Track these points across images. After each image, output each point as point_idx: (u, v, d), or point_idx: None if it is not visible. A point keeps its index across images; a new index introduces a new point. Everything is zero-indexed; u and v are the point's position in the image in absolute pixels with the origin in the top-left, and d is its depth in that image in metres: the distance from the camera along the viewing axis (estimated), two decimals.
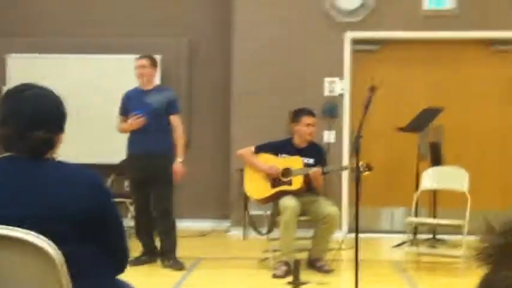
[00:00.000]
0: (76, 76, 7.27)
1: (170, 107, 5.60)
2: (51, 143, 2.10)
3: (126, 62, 7.47)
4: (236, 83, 7.28)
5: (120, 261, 2.22)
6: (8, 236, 1.91)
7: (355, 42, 7.22)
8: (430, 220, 6.05)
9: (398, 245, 6.36)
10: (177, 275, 5.23)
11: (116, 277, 2.23)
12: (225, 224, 7.41)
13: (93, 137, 7.18)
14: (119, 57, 7.45)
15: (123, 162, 6.02)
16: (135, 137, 5.51)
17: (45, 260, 1.91)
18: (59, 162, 2.17)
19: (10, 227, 1.91)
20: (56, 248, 1.91)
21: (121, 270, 2.23)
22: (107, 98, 6.97)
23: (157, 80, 5.98)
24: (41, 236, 1.90)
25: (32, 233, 1.90)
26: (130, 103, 5.58)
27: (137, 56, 5.79)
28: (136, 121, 5.45)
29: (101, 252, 2.09)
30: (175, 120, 5.65)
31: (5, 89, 7.42)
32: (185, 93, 7.72)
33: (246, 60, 7.23)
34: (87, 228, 2.01)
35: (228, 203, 7.36)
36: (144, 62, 5.63)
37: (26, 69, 7.23)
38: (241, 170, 6.80)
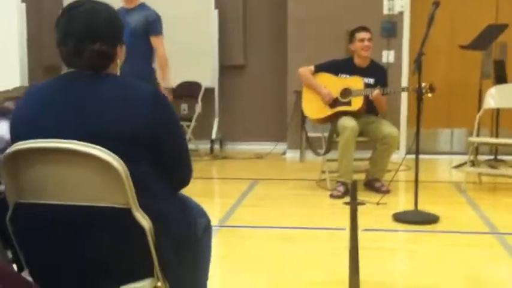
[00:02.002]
0: None
1: (150, 28, 5.31)
2: (109, 56, 2.07)
3: None
4: (292, 5, 7.10)
5: (184, 178, 2.21)
6: (73, 150, 1.93)
7: None
8: (493, 140, 5.89)
9: (459, 165, 6.25)
10: (235, 195, 5.28)
11: (179, 192, 2.24)
12: (282, 146, 7.41)
13: None
14: None
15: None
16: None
17: (111, 173, 1.93)
18: (118, 77, 2.15)
19: (75, 141, 1.93)
20: (121, 160, 1.91)
21: (182, 186, 2.24)
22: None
23: None
24: (106, 150, 1.91)
25: (97, 146, 1.91)
26: None
27: None
28: None
29: (162, 169, 2.08)
30: (156, 41, 5.38)
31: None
32: (239, 15, 7.61)
33: None
34: (145, 144, 2.00)
35: (284, 125, 7.33)
36: None
37: None
38: (298, 92, 6.75)
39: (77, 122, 1.98)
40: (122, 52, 2.14)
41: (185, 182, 2.23)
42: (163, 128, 2.06)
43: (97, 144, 1.92)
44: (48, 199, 1.99)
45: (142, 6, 5.44)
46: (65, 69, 2.13)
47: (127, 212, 1.96)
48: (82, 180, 1.98)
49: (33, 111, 2.04)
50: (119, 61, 2.15)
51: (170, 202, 2.12)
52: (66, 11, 2.09)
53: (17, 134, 2.05)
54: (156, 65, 5.50)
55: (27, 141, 1.97)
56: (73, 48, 2.04)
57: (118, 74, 2.19)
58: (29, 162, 2.00)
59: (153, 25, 5.36)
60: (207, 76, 7.47)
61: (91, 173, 1.97)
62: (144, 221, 1.97)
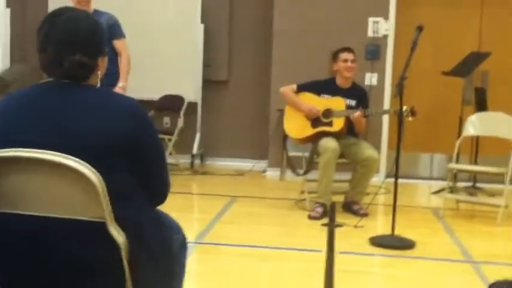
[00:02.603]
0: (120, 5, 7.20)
1: (112, 32, 5.20)
2: (89, 67, 2.05)
3: None
4: (278, 21, 7.13)
5: (160, 193, 2.19)
6: (49, 161, 1.90)
7: None
8: (472, 167, 5.92)
9: (438, 191, 6.28)
10: (213, 211, 5.25)
11: (155, 208, 2.21)
12: (262, 164, 7.40)
13: (133, 73, 7.15)
14: None
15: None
16: None
17: (87, 185, 1.90)
18: (98, 88, 2.13)
19: (50, 152, 1.90)
20: (97, 173, 1.89)
21: (161, 202, 2.21)
22: (145, 32, 6.92)
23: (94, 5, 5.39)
24: (82, 162, 1.88)
25: (74, 158, 1.88)
26: None
27: None
28: None
29: (139, 183, 2.06)
30: (119, 45, 5.28)
31: None
32: (225, 30, 7.62)
33: (288, 0, 7.06)
34: (124, 157, 1.97)
35: (266, 143, 7.33)
36: None
37: (67, 2, 7.19)
38: (281, 111, 6.74)
39: (55, 131, 1.95)
40: (103, 63, 2.12)
41: (162, 197, 2.21)
42: (142, 142, 2.04)
43: (75, 154, 1.89)
44: (22, 209, 1.96)
45: (98, 11, 5.27)
46: (45, 77, 2.11)
47: (102, 226, 1.93)
48: (57, 191, 1.95)
49: (9, 120, 2.01)
50: (99, 73, 2.13)
51: (147, 216, 2.09)
52: (48, 18, 2.07)
53: None
54: (120, 68, 5.34)
55: (3, 149, 1.94)
56: (53, 57, 2.02)
57: (98, 85, 2.16)
58: (3, 171, 1.96)
59: (114, 29, 5.25)
60: (190, 90, 7.45)
61: (66, 185, 1.94)
62: (118, 236, 1.94)
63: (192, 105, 7.46)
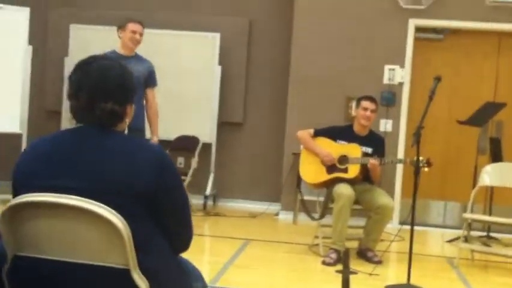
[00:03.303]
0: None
1: (149, 79, 5.30)
2: (119, 115, 2.09)
3: (184, 38, 7.52)
4: (295, 66, 7.21)
5: (183, 241, 2.20)
6: (75, 206, 1.91)
7: (419, 30, 7.07)
8: (487, 218, 5.88)
9: (452, 240, 6.24)
10: (226, 254, 5.23)
11: (177, 255, 2.22)
12: (275, 207, 7.39)
13: None
14: (177, 33, 7.49)
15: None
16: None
17: (113, 232, 1.91)
18: (127, 135, 2.16)
19: (76, 197, 1.92)
20: (124, 220, 1.90)
21: (183, 249, 2.22)
22: (163, 73, 7.00)
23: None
24: (109, 208, 1.90)
25: (101, 205, 1.90)
26: None
27: (135, 23, 5.33)
28: None
29: (163, 230, 2.07)
30: (152, 93, 5.38)
31: (67, 60, 7.54)
32: (242, 72, 7.71)
33: (307, 44, 7.16)
34: (148, 205, 2.00)
35: (279, 186, 7.33)
36: (141, 28, 5.30)
37: (86, 40, 7.33)
38: (295, 154, 6.78)
39: (82, 176, 1.98)
40: (131, 111, 2.16)
41: (185, 245, 2.22)
42: (166, 190, 2.06)
43: (101, 200, 1.91)
44: (46, 254, 1.97)
45: (139, 56, 5.42)
46: (65, 116, 2.14)
47: (125, 273, 1.94)
48: (82, 237, 1.96)
49: (37, 163, 2.04)
50: (127, 120, 2.17)
51: (169, 264, 2.10)
52: (80, 66, 2.11)
53: (19, 184, 2.04)
54: (149, 116, 5.43)
55: (30, 194, 1.96)
56: (85, 104, 2.05)
57: (126, 131, 2.20)
58: (28, 215, 1.98)
59: (152, 76, 5.37)
60: (206, 131, 7.51)
61: (92, 230, 1.95)
62: (142, 283, 1.95)
63: (207, 146, 7.50)
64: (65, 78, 7.34)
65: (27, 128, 6.91)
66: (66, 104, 7.30)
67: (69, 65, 7.35)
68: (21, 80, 6.85)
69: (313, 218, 5.57)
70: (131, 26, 5.26)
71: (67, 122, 7.17)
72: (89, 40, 7.30)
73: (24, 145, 6.74)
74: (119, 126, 2.12)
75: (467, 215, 5.38)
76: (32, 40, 6.97)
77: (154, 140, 5.35)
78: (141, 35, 5.30)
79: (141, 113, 5.23)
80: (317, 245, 5.53)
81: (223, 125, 7.67)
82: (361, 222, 5.67)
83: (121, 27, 5.28)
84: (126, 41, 5.27)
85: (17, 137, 6.82)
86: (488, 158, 6.28)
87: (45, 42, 7.77)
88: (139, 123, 5.18)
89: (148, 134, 5.49)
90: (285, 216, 7.14)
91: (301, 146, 5.72)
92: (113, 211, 1.91)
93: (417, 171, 4.49)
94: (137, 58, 5.33)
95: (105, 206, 1.91)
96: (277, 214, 7.29)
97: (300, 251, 5.59)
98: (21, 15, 6.84)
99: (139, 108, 5.08)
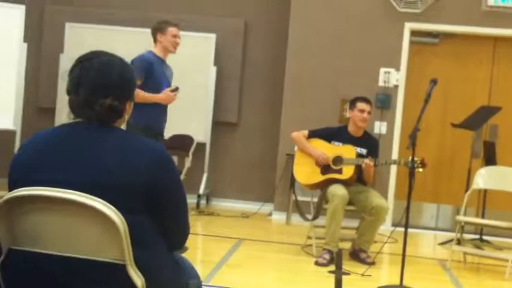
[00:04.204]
0: (130, 49, 7.29)
1: (169, 83, 5.20)
2: (119, 111, 2.09)
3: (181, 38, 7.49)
4: (290, 67, 7.22)
5: (180, 237, 2.20)
6: (71, 200, 1.91)
7: (414, 33, 7.08)
8: (481, 220, 5.90)
9: (444, 242, 6.26)
10: (219, 254, 5.23)
11: (173, 251, 2.22)
12: (268, 207, 7.39)
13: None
14: None
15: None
16: (157, 112, 5.00)
17: (110, 227, 1.91)
18: (126, 132, 2.16)
19: (73, 192, 1.91)
20: (121, 215, 1.90)
21: (179, 246, 2.22)
22: None
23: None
24: (105, 202, 1.90)
25: (98, 199, 1.90)
26: (155, 72, 4.96)
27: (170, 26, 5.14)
28: (172, 96, 4.95)
29: (159, 226, 2.07)
30: None
31: (62, 57, 7.52)
32: (237, 73, 7.71)
33: (302, 45, 7.16)
34: (145, 201, 1.99)
35: (272, 186, 7.34)
36: (179, 32, 5.19)
37: (82, 37, 7.31)
38: (289, 155, 6.79)
39: (79, 171, 1.97)
40: (129, 108, 2.16)
41: (181, 241, 2.22)
42: (164, 186, 2.05)
43: (97, 194, 1.91)
44: (43, 248, 1.96)
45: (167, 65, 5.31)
46: (59, 113, 2.14)
47: (121, 268, 1.93)
48: (79, 231, 1.96)
49: (35, 158, 2.03)
50: (126, 116, 2.16)
51: (165, 260, 2.10)
52: (80, 61, 2.11)
53: (16, 179, 2.03)
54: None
55: (27, 188, 1.95)
56: (84, 99, 2.04)
57: (124, 128, 2.20)
58: (25, 209, 1.98)
59: (170, 80, 5.26)
60: (200, 131, 7.50)
61: (88, 225, 1.95)
62: (137, 279, 1.94)
63: (201, 146, 7.50)
64: (59, 76, 7.32)
65: (21, 125, 6.88)
66: (60, 101, 7.29)
67: (65, 62, 7.34)
68: (15, 77, 6.83)
69: (306, 219, 5.58)
70: (172, 31, 5.07)
71: (61, 119, 7.15)
72: (85, 37, 7.28)
73: (18, 142, 6.71)
74: (117, 122, 2.12)
75: (461, 218, 5.39)
76: (27, 37, 6.95)
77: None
78: (180, 38, 5.16)
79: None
80: (310, 245, 5.53)
81: (218, 125, 7.67)
82: (354, 223, 5.69)
83: (160, 30, 5.08)
84: (167, 45, 5.08)
85: (10, 133, 6.80)
86: (482, 162, 6.30)
87: (40, 40, 7.75)
88: (162, 127, 5.09)
89: None
90: (278, 217, 7.14)
91: (295, 147, 5.73)
92: (110, 206, 1.91)
93: (412, 172, 4.50)
94: (166, 64, 5.22)
95: (102, 201, 1.91)
96: (270, 214, 7.29)
97: (293, 252, 5.60)
98: (17, 13, 6.82)
99: (162, 111, 5.02)
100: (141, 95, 4.71)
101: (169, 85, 5.09)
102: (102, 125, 2.06)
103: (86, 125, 2.06)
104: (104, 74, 2.06)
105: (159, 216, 2.06)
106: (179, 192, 2.15)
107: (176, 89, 4.99)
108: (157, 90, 4.94)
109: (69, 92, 2.09)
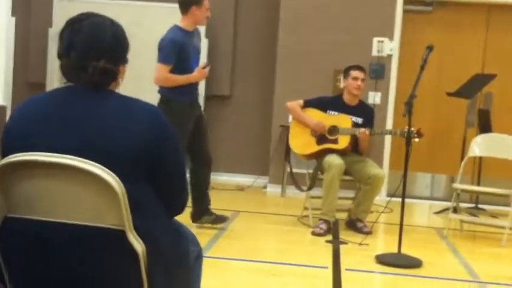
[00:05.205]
0: (118, 22, 7.20)
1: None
2: (112, 74, 2.03)
3: (170, 10, 7.39)
4: (283, 38, 7.13)
5: (178, 203, 2.15)
6: (69, 166, 1.86)
7: (407, 2, 7.01)
8: (478, 188, 5.90)
9: (440, 211, 6.25)
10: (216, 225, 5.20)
11: (172, 218, 2.18)
12: (263, 180, 7.36)
13: (135, 87, 7.14)
14: (162, 5, 7.37)
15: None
16: (193, 86, 4.98)
17: (109, 193, 1.86)
18: (121, 95, 2.10)
19: (70, 156, 1.86)
20: (119, 181, 1.85)
21: (178, 212, 2.18)
22: (148, 46, 6.90)
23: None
24: (103, 167, 1.85)
25: (96, 164, 1.85)
26: (185, 53, 4.84)
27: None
28: (204, 72, 4.91)
29: (157, 192, 2.02)
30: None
31: (51, 31, 7.40)
32: (229, 45, 7.62)
33: (294, 17, 7.07)
34: (143, 165, 1.95)
35: (267, 159, 7.30)
36: None
37: (71, 12, 7.18)
38: (283, 127, 6.74)
39: (77, 137, 1.92)
40: (123, 71, 2.10)
41: (180, 207, 2.18)
42: (162, 151, 2.01)
43: (96, 161, 1.86)
44: (40, 215, 1.92)
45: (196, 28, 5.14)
46: (49, 88, 2.08)
47: (121, 234, 1.89)
48: (77, 198, 1.91)
49: (30, 124, 1.97)
50: (120, 80, 2.10)
51: (165, 226, 2.06)
52: (71, 24, 2.04)
53: (10, 147, 1.97)
54: None
55: (22, 154, 1.90)
56: (76, 62, 1.98)
57: (119, 92, 2.13)
58: (21, 175, 1.92)
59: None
60: None
61: (86, 190, 1.90)
62: (137, 245, 1.90)
63: None
64: (48, 50, 7.20)
65: (11, 100, 6.80)
66: (50, 76, 7.18)
67: (54, 36, 7.21)
68: (4, 52, 6.73)
69: (301, 190, 5.55)
70: (207, 4, 4.94)
71: None
72: (73, 11, 7.12)
73: (8, 117, 6.63)
74: (112, 85, 2.06)
75: (457, 185, 5.38)
76: (15, 11, 6.83)
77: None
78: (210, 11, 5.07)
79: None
80: (306, 216, 5.51)
81: (211, 98, 7.59)
82: (350, 194, 5.67)
83: (196, 3, 4.91)
84: (201, 18, 4.95)
85: (1, 109, 6.72)
86: (477, 130, 6.27)
87: (29, 14, 7.61)
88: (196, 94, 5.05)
89: None
90: (273, 189, 7.11)
91: (290, 118, 5.68)
92: (108, 170, 1.86)
93: (408, 141, 4.46)
94: (197, 30, 5.08)
95: (99, 165, 1.86)
96: (265, 187, 7.26)
97: (290, 223, 5.57)
98: None
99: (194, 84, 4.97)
100: (173, 79, 4.77)
101: (198, 53, 5.00)
102: (97, 88, 2.00)
103: (80, 90, 2.00)
104: (96, 36, 1.99)
105: (158, 182, 2.01)
106: (177, 156, 2.10)
107: (208, 65, 4.98)
108: (189, 69, 4.85)
109: (60, 56, 2.02)
